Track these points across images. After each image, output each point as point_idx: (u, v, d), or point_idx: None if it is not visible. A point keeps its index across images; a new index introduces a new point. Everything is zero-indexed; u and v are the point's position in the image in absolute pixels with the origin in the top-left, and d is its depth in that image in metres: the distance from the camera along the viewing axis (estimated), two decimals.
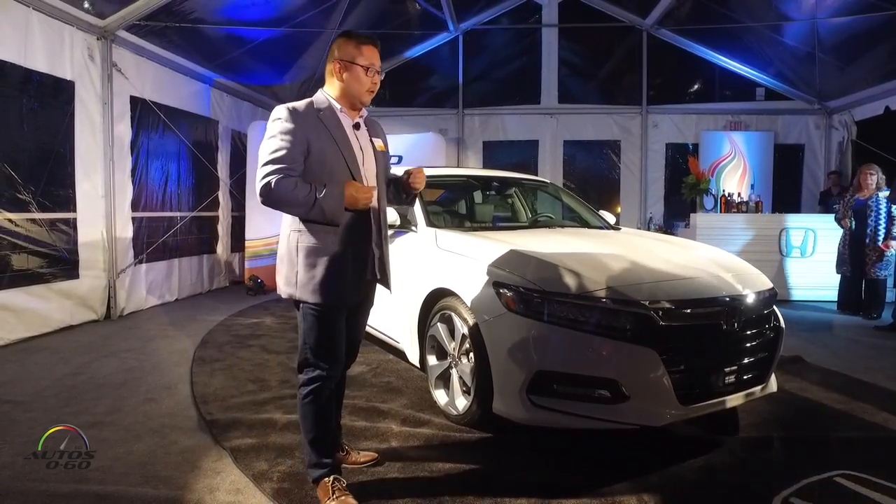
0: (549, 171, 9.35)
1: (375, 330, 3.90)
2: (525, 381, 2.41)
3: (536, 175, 8.88)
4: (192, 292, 7.12)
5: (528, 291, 2.47)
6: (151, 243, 6.21)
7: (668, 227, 8.73)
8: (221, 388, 3.49)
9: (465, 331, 2.74)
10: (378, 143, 2.25)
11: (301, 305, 2.08)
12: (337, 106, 2.12)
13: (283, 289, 2.11)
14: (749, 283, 2.78)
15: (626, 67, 9.47)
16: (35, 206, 4.64)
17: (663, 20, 8.83)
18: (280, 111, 2.03)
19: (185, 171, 6.92)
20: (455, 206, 4.49)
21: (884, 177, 5.86)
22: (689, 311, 2.45)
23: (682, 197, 7.64)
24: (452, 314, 2.85)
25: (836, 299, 6.41)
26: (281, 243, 2.15)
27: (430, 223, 3.44)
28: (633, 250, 3.00)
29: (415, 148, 8.65)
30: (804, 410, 3.19)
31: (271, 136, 2.00)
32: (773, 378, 2.89)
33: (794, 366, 4.05)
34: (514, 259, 2.69)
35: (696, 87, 9.49)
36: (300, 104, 2.08)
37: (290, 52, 8.13)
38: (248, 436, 2.73)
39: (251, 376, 3.72)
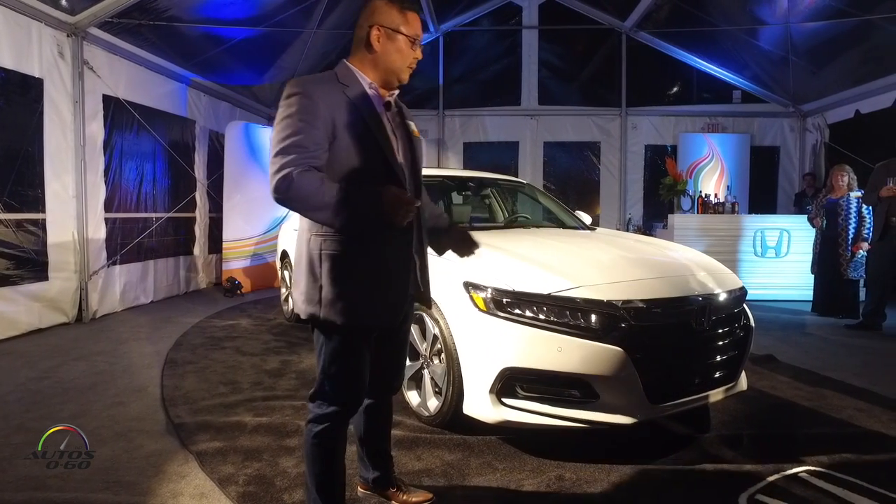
0: (530, 172, 9.39)
1: None
2: (495, 382, 2.40)
3: (517, 176, 8.90)
4: (169, 294, 7.02)
5: (499, 291, 2.46)
6: (126, 244, 6.11)
7: (646, 229, 8.81)
8: (192, 390, 3.43)
9: (436, 331, 2.72)
10: (413, 126, 1.89)
11: (322, 327, 1.71)
12: (367, 81, 1.74)
13: (303, 307, 1.70)
14: (719, 282, 2.80)
15: (605, 69, 9.55)
16: (1, 206, 4.53)
17: (642, 23, 8.93)
18: (297, 84, 1.64)
19: (160, 171, 6.81)
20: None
21: (855, 177, 5.96)
22: (659, 310, 2.46)
23: (660, 198, 7.71)
24: (424, 314, 2.83)
25: (810, 299, 6.51)
26: (298, 250, 1.75)
27: None
28: (606, 250, 3.01)
29: None
30: (774, 408, 3.23)
31: (287, 116, 1.60)
32: (743, 376, 2.92)
33: (766, 364, 4.10)
34: (484, 259, 2.67)
35: (674, 89, 9.60)
36: (320, 77, 1.71)
37: (269, 51, 8.07)
38: (217, 439, 2.68)
39: (223, 378, 3.67)
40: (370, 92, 1.74)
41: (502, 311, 2.43)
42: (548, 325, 2.36)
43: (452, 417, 2.65)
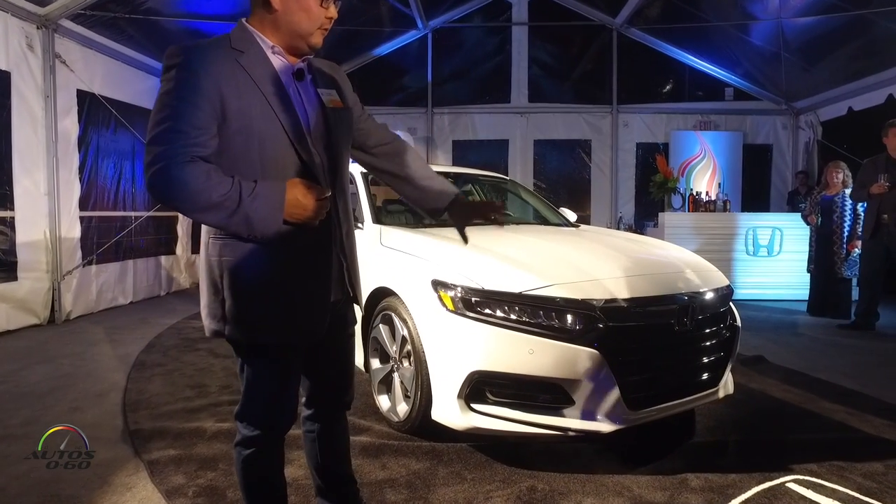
0: (520, 170, 9.25)
1: None
2: (463, 386, 2.26)
3: (507, 175, 8.77)
4: (149, 294, 6.86)
5: (468, 290, 2.32)
6: (103, 244, 5.95)
7: (638, 228, 8.68)
8: (156, 394, 3.28)
9: (405, 332, 2.58)
10: (329, 95, 1.56)
11: (232, 345, 1.50)
12: (268, 44, 1.45)
13: (207, 324, 1.47)
14: (703, 279, 2.66)
15: (596, 66, 9.42)
16: None
17: (633, 19, 8.80)
18: (175, 54, 1.35)
19: (140, 169, 6.65)
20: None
21: (850, 174, 5.85)
22: (638, 309, 2.32)
23: (651, 196, 7.59)
24: (393, 315, 2.69)
25: (802, 299, 6.39)
26: (200, 257, 1.50)
27: (376, 220, 3.28)
28: (585, 247, 2.87)
29: None
30: (762, 412, 3.10)
31: (163, 95, 1.33)
32: (729, 379, 2.78)
33: (755, 366, 3.97)
34: (455, 256, 2.54)
35: (666, 86, 9.47)
36: (206, 42, 1.40)
37: None
38: (173, 446, 2.53)
39: (191, 381, 3.51)
40: (273, 59, 1.45)
41: (471, 310, 2.29)
42: (519, 326, 2.22)
43: (421, 423, 2.51)
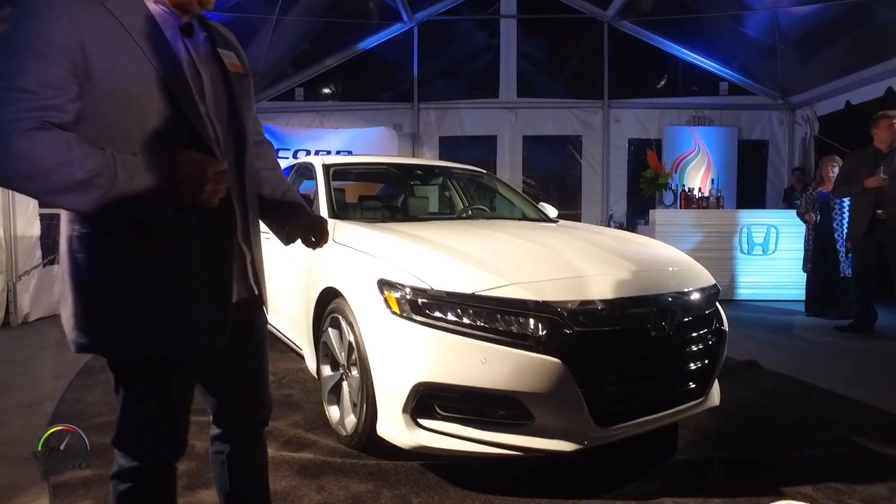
0: (508, 167, 8.97)
1: (281, 333, 3.46)
2: (408, 399, 1.98)
3: (495, 172, 8.50)
4: None
5: (415, 290, 2.04)
6: None
7: (630, 226, 8.41)
8: (93, 404, 3.00)
9: (351, 338, 2.31)
10: (229, 58, 1.31)
11: (105, 359, 1.23)
12: None
13: (73, 337, 1.17)
14: (685, 278, 2.39)
15: (587, 60, 9.14)
16: None
17: (624, 12, 8.53)
18: None
19: None
20: (386, 198, 4.06)
21: None
22: (608, 313, 2.04)
23: (641, 192, 7.31)
24: (340, 318, 2.42)
25: (798, 298, 6.13)
26: (61, 254, 1.19)
27: (333, 214, 3.00)
28: (557, 244, 2.59)
29: (363, 143, 8.22)
30: (753, 425, 2.82)
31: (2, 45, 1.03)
32: (716, 390, 2.51)
33: (747, 372, 3.70)
34: (406, 253, 2.27)
35: (658, 81, 9.20)
36: None
37: None
38: (91, 466, 2.24)
39: None
40: (154, 8, 1.17)
41: (418, 314, 2.01)
42: (471, 332, 1.94)
43: (368, 439, 2.23)
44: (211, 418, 1.48)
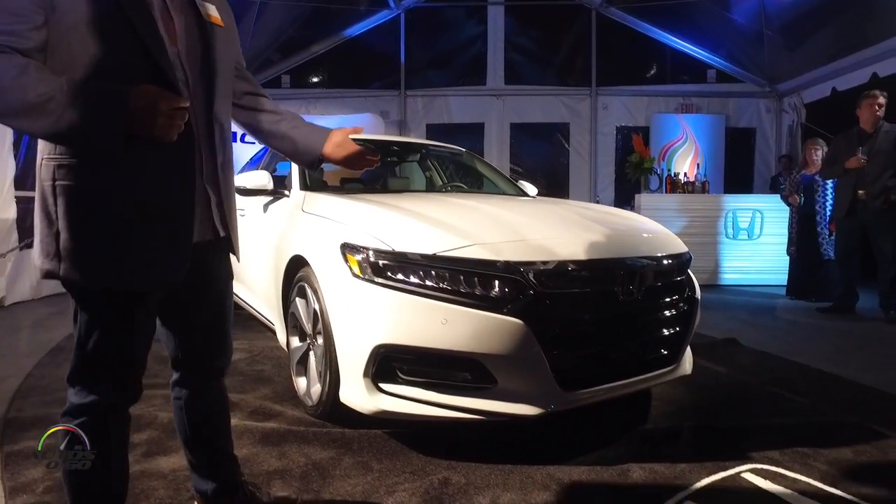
0: (496, 155, 8.92)
1: (255, 310, 3.41)
2: (368, 362, 1.94)
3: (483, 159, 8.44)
4: None
5: (377, 252, 2.00)
6: None
7: None
8: (60, 379, 2.87)
9: (316, 306, 2.26)
10: (205, 8, 1.32)
11: (69, 289, 1.25)
12: None
13: (39, 263, 1.21)
14: (656, 244, 2.36)
15: (575, 48, 9.10)
16: None
17: None
18: None
19: None
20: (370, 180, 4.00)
21: None
22: (573, 274, 2.01)
23: (627, 177, 7.29)
24: (306, 286, 2.37)
25: (783, 283, 6.12)
26: (36, 183, 1.24)
27: (304, 186, 2.95)
28: (527, 211, 2.55)
29: None
30: (727, 396, 2.80)
31: None
32: (688, 358, 2.49)
33: (726, 348, 3.69)
34: (371, 218, 2.23)
35: (646, 68, 9.17)
36: None
37: None
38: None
39: None
40: None
41: (380, 276, 1.97)
42: (432, 293, 1.90)
43: (333, 407, 2.19)
44: (170, 364, 1.50)
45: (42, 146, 1.20)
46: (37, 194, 1.22)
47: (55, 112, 1.05)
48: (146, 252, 1.22)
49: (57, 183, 1.17)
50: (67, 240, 1.17)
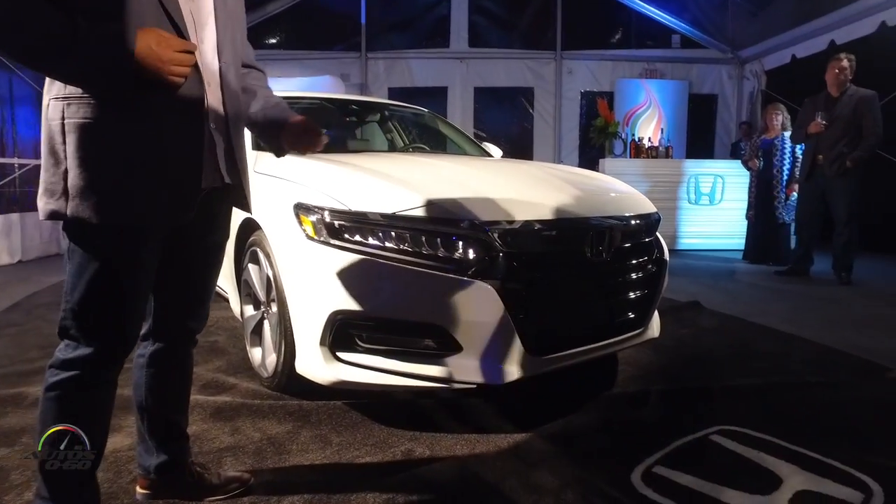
0: (459, 119, 8.73)
1: None
2: (325, 330, 1.82)
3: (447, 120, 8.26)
4: (44, 253, 6.16)
5: (332, 213, 1.86)
6: None
7: None
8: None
9: (269, 271, 2.12)
10: None
11: (72, 230, 1.19)
12: None
13: (43, 205, 1.17)
14: (624, 204, 2.29)
15: (540, 10, 8.90)
16: None
17: None
18: None
19: (25, 111, 5.85)
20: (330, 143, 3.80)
21: (789, 117, 5.62)
22: (540, 234, 1.92)
23: (591, 142, 7.24)
24: (259, 251, 2.22)
25: (742, 248, 6.22)
26: (43, 125, 1.20)
27: (256, 146, 2.75)
28: (491, 170, 2.44)
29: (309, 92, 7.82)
30: (692, 359, 2.79)
31: None
32: (655, 321, 2.45)
33: (690, 312, 3.70)
34: (326, 176, 2.08)
35: (612, 33, 9.06)
36: None
37: None
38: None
39: (44, 342, 2.97)
40: None
41: (336, 237, 1.84)
42: (392, 255, 1.78)
43: (289, 379, 2.08)
44: None
45: (49, 87, 1.18)
46: (43, 136, 1.18)
47: (61, 47, 1.05)
48: (156, 188, 1.19)
49: (66, 120, 1.14)
50: (77, 176, 1.14)
